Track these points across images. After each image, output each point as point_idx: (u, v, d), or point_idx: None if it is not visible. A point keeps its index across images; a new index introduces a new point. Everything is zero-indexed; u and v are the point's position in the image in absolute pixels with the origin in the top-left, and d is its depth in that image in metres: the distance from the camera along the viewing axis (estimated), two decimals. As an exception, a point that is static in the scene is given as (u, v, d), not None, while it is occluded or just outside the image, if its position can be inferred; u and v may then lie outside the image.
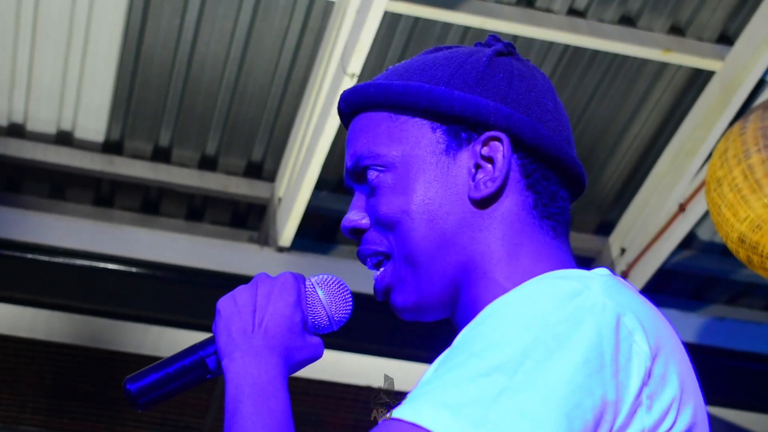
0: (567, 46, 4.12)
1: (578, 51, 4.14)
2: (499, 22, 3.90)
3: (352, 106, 1.47)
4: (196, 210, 4.61)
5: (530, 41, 4.07)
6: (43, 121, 4.31)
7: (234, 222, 4.64)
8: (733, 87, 4.00)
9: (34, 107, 4.26)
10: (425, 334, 4.22)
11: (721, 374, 4.68)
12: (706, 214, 4.26)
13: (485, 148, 1.40)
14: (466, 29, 3.99)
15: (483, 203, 1.40)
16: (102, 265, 4.35)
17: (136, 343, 4.50)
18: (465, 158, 1.41)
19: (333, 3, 3.94)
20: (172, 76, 4.18)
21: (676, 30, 4.13)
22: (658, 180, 4.41)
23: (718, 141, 3.55)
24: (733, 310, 4.90)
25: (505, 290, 1.34)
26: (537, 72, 1.47)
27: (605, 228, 4.72)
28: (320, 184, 4.31)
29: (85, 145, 4.38)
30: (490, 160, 1.40)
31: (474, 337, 1.22)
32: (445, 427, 1.15)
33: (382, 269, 1.44)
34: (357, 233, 1.45)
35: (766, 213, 3.24)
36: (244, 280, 1.44)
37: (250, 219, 4.63)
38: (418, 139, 1.42)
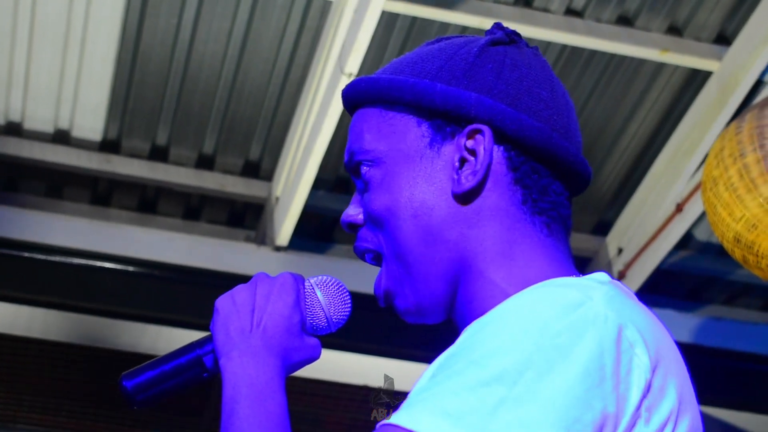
0: (564, 46, 4.12)
1: (575, 51, 4.14)
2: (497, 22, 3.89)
3: (348, 102, 1.47)
4: (194, 209, 4.61)
5: (527, 41, 4.06)
6: (40, 119, 4.30)
7: (231, 221, 4.64)
8: (731, 87, 4.00)
9: (31, 106, 4.26)
10: (423, 334, 4.21)
11: (717, 374, 4.68)
12: (704, 215, 4.26)
13: (470, 141, 1.38)
14: (464, 29, 3.98)
15: (465, 198, 1.37)
16: (99, 264, 4.35)
17: (133, 342, 4.50)
18: (449, 152, 1.38)
19: (330, 2, 3.94)
20: (170, 75, 4.18)
21: (674, 30, 4.13)
22: (655, 180, 4.41)
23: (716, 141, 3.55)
24: (731, 311, 4.90)
25: (501, 291, 1.33)
26: (535, 60, 1.45)
27: (602, 228, 4.72)
28: (318, 184, 4.31)
29: (83, 144, 4.38)
30: (473, 153, 1.37)
31: (474, 344, 1.20)
32: None
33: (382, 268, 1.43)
34: (353, 228, 1.44)
35: (762, 212, 3.24)
36: (242, 279, 1.43)
37: (247, 218, 4.63)
38: (404, 134, 1.40)
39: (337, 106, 3.86)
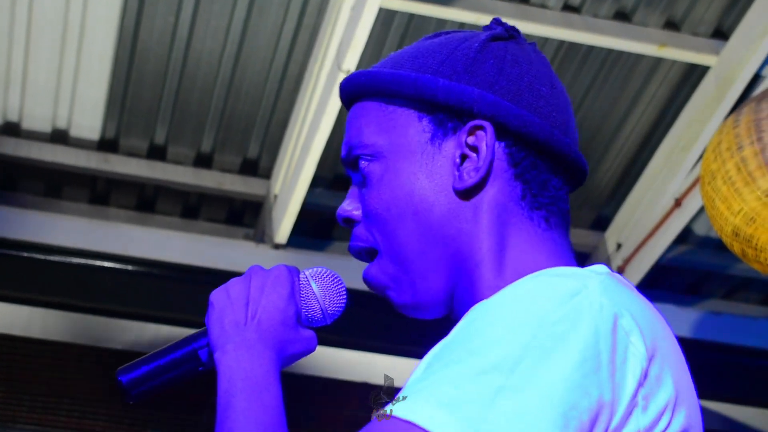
0: (562, 42, 4.12)
1: (573, 47, 4.14)
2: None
3: (346, 95, 1.47)
4: (192, 207, 4.61)
5: (525, 37, 4.06)
6: (38, 119, 4.30)
7: (230, 219, 4.64)
8: (729, 82, 4.00)
9: (29, 105, 4.26)
10: (420, 329, 4.21)
11: (717, 369, 4.68)
12: (702, 209, 4.25)
13: (471, 137, 1.38)
14: (461, 26, 3.98)
15: (467, 194, 1.37)
16: (98, 263, 4.35)
17: (132, 341, 4.50)
18: (450, 148, 1.38)
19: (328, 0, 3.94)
20: (168, 73, 4.18)
21: (671, 25, 4.13)
22: (653, 175, 4.41)
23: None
24: (730, 305, 4.90)
25: (492, 285, 1.33)
26: (535, 56, 1.45)
27: (601, 223, 4.72)
28: (316, 181, 4.31)
29: (81, 143, 4.37)
30: (475, 149, 1.38)
31: (470, 334, 1.20)
32: (442, 426, 1.13)
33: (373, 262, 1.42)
34: (349, 223, 1.44)
35: (760, 206, 3.24)
36: (241, 277, 1.43)
37: (245, 216, 4.63)
38: (405, 128, 1.40)
39: (335, 104, 3.86)
